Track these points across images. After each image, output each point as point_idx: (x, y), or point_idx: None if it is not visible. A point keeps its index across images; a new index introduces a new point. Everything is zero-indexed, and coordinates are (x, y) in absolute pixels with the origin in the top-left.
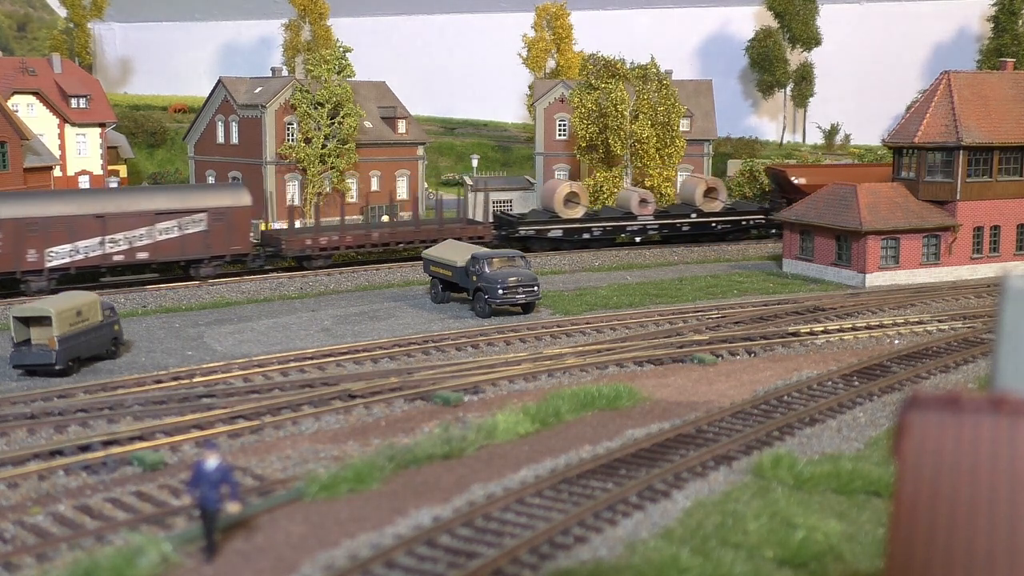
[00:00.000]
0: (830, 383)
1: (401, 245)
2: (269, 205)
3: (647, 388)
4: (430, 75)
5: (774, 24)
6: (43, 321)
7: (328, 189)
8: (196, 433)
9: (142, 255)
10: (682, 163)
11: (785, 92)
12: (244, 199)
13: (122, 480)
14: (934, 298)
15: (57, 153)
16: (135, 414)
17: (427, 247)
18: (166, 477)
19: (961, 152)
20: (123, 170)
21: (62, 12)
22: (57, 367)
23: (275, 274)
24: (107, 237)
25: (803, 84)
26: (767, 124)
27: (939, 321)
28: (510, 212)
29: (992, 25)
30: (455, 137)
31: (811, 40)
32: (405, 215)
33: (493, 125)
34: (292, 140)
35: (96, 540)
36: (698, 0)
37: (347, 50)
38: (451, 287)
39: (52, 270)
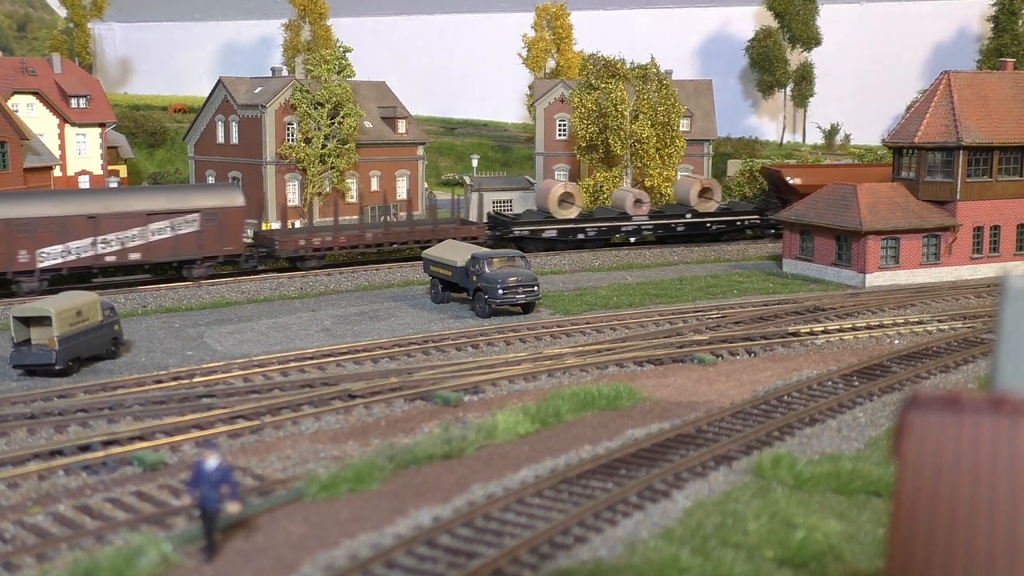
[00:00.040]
0: (830, 383)
1: (395, 246)
2: (269, 205)
3: (647, 388)
4: (430, 75)
5: (774, 24)
6: (43, 321)
7: (328, 189)
8: (196, 433)
9: (134, 256)
10: (682, 163)
11: (785, 92)
12: (237, 199)
13: (122, 480)
14: (934, 298)
15: (57, 153)
16: (135, 414)
17: (421, 247)
18: (166, 477)
19: (961, 152)
20: (123, 170)
21: (62, 12)
22: (57, 367)
23: (273, 274)
24: (99, 238)
25: (803, 84)
26: (767, 124)
27: (939, 321)
28: (504, 212)
29: (992, 25)
30: (455, 137)
31: (811, 40)
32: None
33: (493, 125)
34: (292, 140)
35: (96, 540)
36: (698, 0)
37: (347, 50)
38: (451, 287)
39: (43, 271)
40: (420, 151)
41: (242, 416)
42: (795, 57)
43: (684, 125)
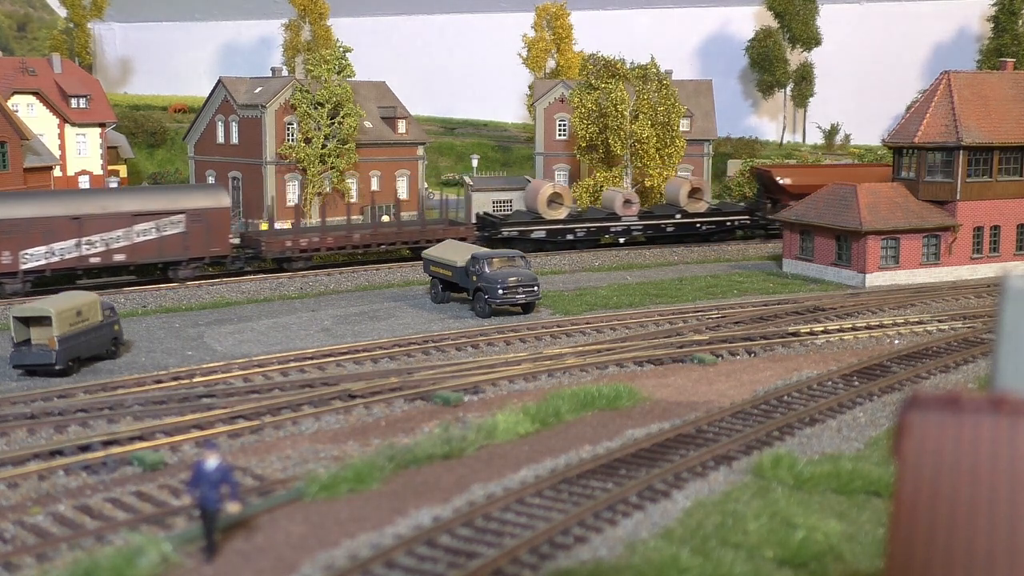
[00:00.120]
0: (830, 383)
1: (383, 247)
2: (269, 205)
3: (647, 388)
4: (430, 75)
5: (774, 24)
6: (43, 321)
7: (328, 189)
8: (196, 433)
9: (119, 257)
10: (682, 163)
11: (785, 92)
12: (223, 200)
13: (122, 480)
14: (934, 298)
15: (57, 153)
16: (135, 414)
17: (410, 248)
18: (166, 477)
19: (961, 152)
20: (123, 170)
21: (62, 12)
22: (57, 367)
23: (273, 275)
24: (83, 239)
25: (803, 84)
26: (767, 124)
27: (939, 321)
28: (493, 213)
29: (992, 25)
30: (455, 137)
31: (811, 40)
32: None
33: (493, 125)
34: (292, 140)
35: (96, 540)
36: (698, 0)
37: (347, 50)
38: (451, 287)
39: (27, 272)
40: (420, 151)
41: (242, 416)
42: (795, 57)
43: (684, 125)
